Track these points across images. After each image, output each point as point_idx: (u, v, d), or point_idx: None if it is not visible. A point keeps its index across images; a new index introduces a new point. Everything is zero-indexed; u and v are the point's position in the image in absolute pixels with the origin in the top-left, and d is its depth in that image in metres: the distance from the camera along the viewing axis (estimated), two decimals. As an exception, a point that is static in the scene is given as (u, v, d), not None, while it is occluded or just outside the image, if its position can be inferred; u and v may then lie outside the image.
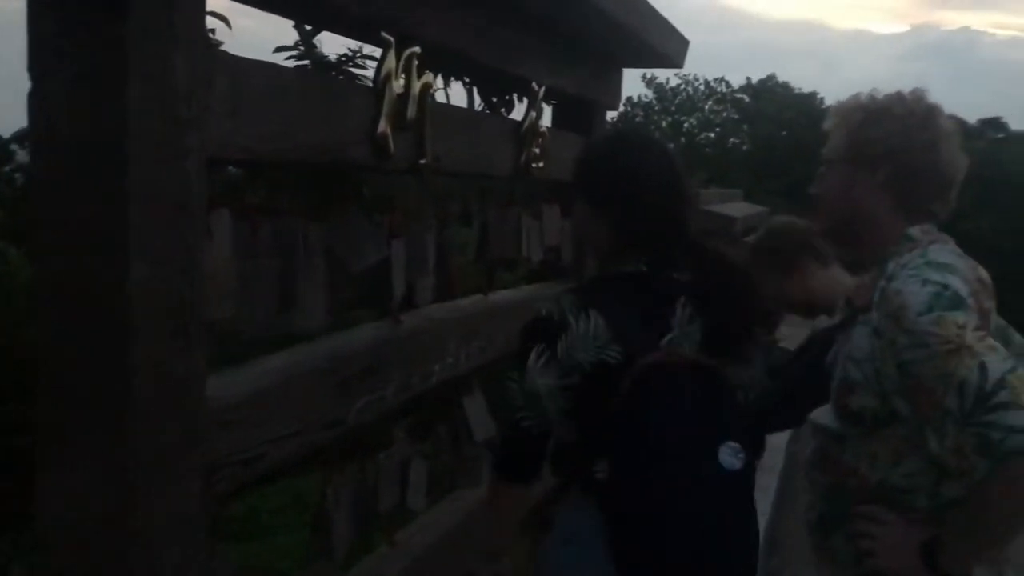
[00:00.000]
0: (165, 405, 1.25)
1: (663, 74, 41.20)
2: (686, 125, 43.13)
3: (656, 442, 1.44)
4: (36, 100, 1.21)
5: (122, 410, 1.20)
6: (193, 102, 1.25)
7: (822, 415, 1.66)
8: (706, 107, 43.75)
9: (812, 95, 41.85)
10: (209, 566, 1.38)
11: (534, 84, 2.49)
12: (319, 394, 1.65)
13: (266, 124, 1.45)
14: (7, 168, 20.81)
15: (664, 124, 43.24)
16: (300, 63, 3.03)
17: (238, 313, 1.45)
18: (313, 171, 1.77)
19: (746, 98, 42.65)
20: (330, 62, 3.15)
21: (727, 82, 43.59)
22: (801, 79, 51.79)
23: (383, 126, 1.71)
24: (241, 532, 3.79)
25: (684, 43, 3.29)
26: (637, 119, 43.63)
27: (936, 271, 1.49)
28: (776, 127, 38.38)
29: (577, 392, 1.46)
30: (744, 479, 1.48)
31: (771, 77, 43.28)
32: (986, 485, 1.34)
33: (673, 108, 44.04)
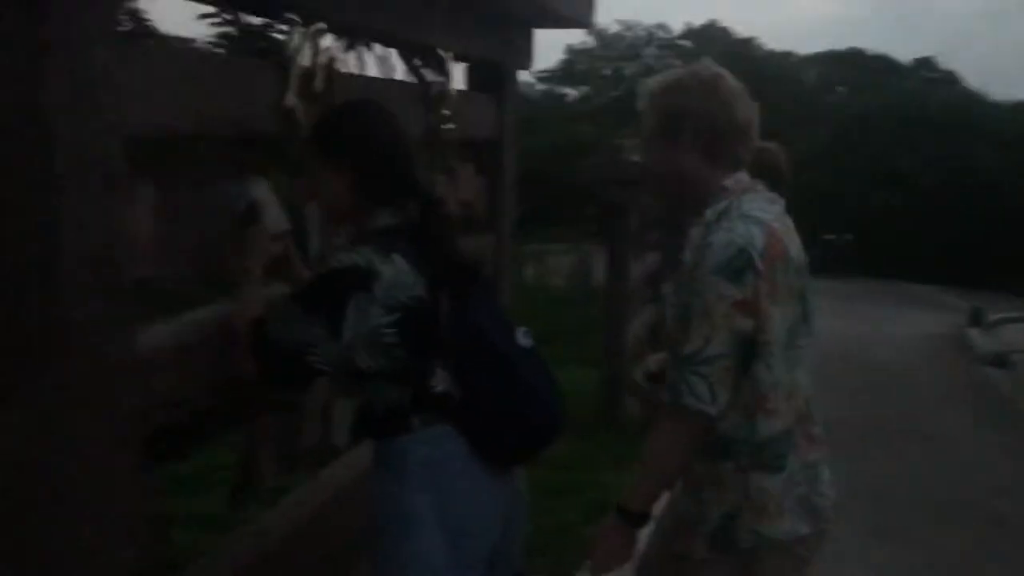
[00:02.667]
0: (95, 357, 1.43)
1: (603, 20, 41.12)
2: (627, 72, 43.24)
3: (483, 339, 1.79)
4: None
5: (58, 361, 1.37)
6: (111, 87, 1.42)
7: (652, 365, 1.98)
8: (647, 53, 43.89)
9: (750, 40, 42.23)
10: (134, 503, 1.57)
11: (440, 51, 2.66)
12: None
13: (179, 102, 1.61)
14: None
15: (606, 72, 43.33)
16: (223, 28, 3.16)
17: (160, 272, 1.63)
18: (228, 142, 1.93)
19: (688, 44, 42.82)
20: (253, 27, 3.27)
21: (668, 28, 43.73)
22: (747, 22, 52.06)
23: (290, 99, 1.88)
24: (196, 488, 4.02)
25: (589, 5, 3.47)
26: (578, 67, 43.63)
27: (743, 223, 1.76)
28: (715, 73, 38.72)
29: (400, 325, 1.71)
30: (536, 352, 1.90)
31: (713, 23, 43.47)
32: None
33: (615, 55, 44.07)
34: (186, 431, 1.79)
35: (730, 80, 1.88)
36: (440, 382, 1.76)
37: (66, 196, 1.35)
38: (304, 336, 1.68)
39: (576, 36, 42.97)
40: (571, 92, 42.83)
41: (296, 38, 1.92)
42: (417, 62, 2.72)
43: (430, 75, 2.69)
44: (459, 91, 2.91)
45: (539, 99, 40.79)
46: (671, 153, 1.87)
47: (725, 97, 1.85)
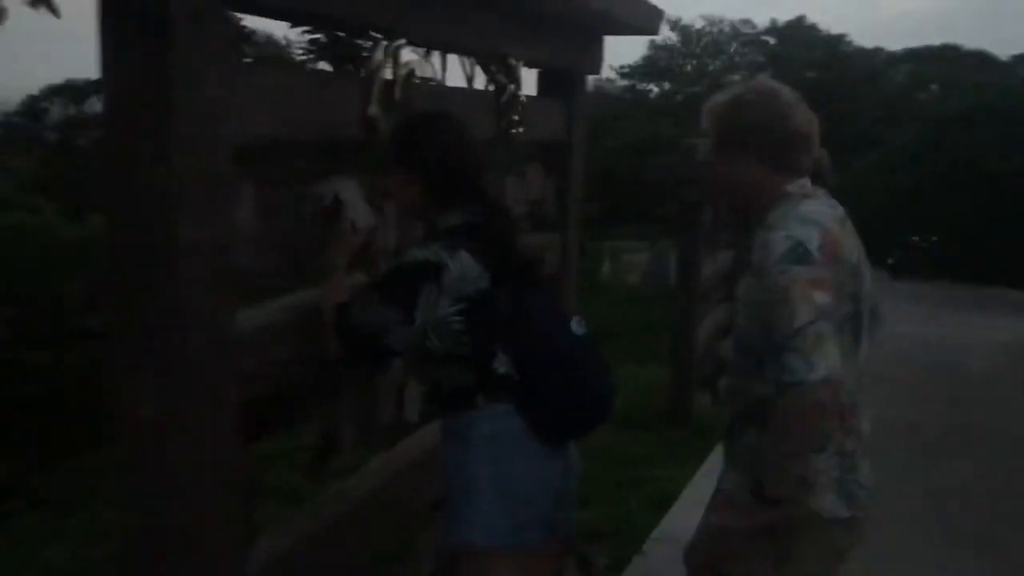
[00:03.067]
0: (205, 334, 1.67)
1: (688, 15, 40.76)
2: (711, 68, 42.80)
3: (540, 327, 1.99)
4: (107, 97, 1.62)
5: (177, 335, 1.63)
6: (223, 104, 1.66)
7: (727, 349, 2.08)
8: (731, 49, 43.38)
9: (840, 37, 41.31)
10: (239, 457, 1.82)
11: (511, 60, 2.87)
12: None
13: (279, 115, 1.85)
14: (39, 125, 21.40)
15: (688, 67, 42.98)
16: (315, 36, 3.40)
17: (260, 262, 1.88)
18: (319, 147, 2.17)
19: (771, 40, 42.17)
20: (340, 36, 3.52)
21: (753, 24, 43.13)
22: (837, 18, 50.95)
23: (373, 109, 2.11)
24: (279, 465, 4.32)
25: (657, 13, 3.62)
26: (661, 63, 43.36)
27: (800, 225, 1.89)
28: (802, 69, 38.05)
29: (467, 311, 1.92)
30: (591, 339, 2.08)
31: (800, 19, 42.59)
32: (775, 408, 1.78)
33: (698, 51, 43.68)
34: (277, 403, 2.04)
35: (787, 93, 2.02)
36: (501, 365, 1.96)
37: (184, 199, 1.60)
38: (380, 321, 1.91)
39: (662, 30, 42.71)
40: (654, 88, 42.64)
41: (379, 53, 2.15)
42: (490, 70, 2.93)
43: (501, 81, 2.89)
44: (529, 96, 3.10)
45: (621, 95, 40.77)
46: (736, 165, 2.02)
47: (783, 110, 1.99)
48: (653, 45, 43.29)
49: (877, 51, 41.38)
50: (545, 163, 3.37)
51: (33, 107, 21.16)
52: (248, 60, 1.96)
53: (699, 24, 43.25)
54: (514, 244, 2.08)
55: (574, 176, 3.56)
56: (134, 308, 1.64)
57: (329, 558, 2.18)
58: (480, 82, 2.91)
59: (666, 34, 42.86)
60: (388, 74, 2.16)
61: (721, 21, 43.34)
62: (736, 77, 42.66)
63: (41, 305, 7.30)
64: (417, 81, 2.30)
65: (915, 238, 26.19)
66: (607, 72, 42.63)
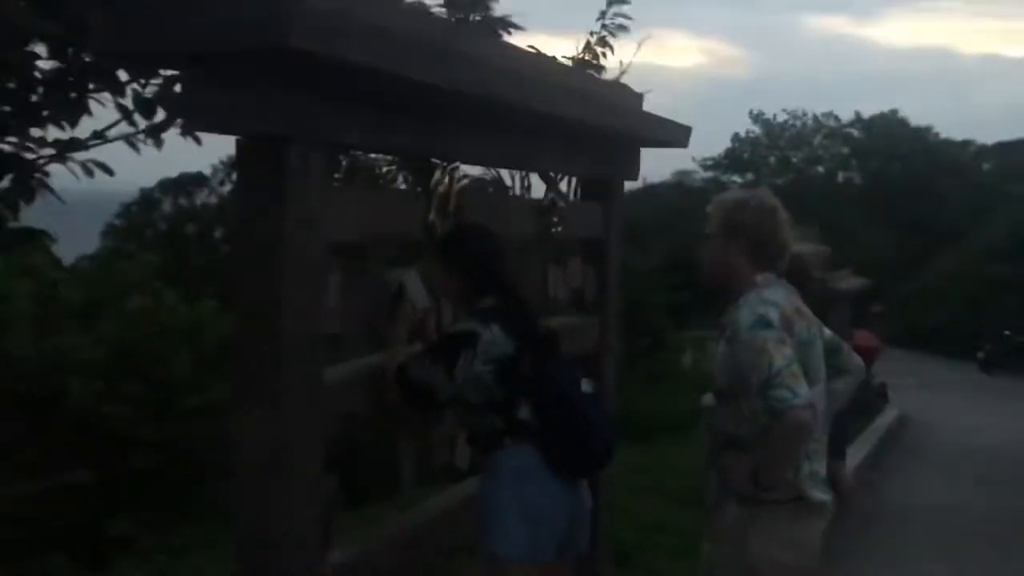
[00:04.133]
0: (299, 380, 2.29)
1: (770, 109, 41.26)
2: (794, 160, 43.18)
3: (556, 385, 2.56)
4: (239, 204, 2.28)
5: (278, 384, 2.24)
6: (319, 215, 2.31)
7: (708, 399, 2.62)
8: (815, 141, 43.74)
9: (927, 129, 41.25)
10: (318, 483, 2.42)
11: (551, 173, 3.50)
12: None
13: (362, 222, 2.51)
14: (153, 215, 23.17)
15: (772, 159, 43.44)
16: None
17: (343, 330, 2.51)
18: (390, 245, 2.83)
19: (856, 132, 42.40)
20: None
21: (836, 116, 43.49)
22: (928, 109, 50.73)
23: (432, 216, 2.76)
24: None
25: (685, 130, 4.23)
26: (744, 154, 43.96)
27: (762, 305, 2.44)
28: (886, 161, 38.09)
29: (497, 370, 2.49)
30: (597, 397, 2.68)
31: (893, 112, 42.51)
32: (769, 431, 2.29)
33: (782, 143, 44.15)
34: (352, 439, 2.64)
35: (781, 211, 2.63)
36: (524, 413, 2.53)
37: (288, 282, 2.24)
38: (431, 377, 2.51)
39: (744, 123, 43.33)
40: (737, 179, 43.16)
41: (438, 174, 2.80)
42: (543, 181, 3.58)
43: (544, 190, 3.52)
44: (569, 201, 3.73)
45: (703, 186, 41.36)
46: (725, 252, 2.60)
47: (776, 222, 2.60)
48: (736, 137, 43.98)
49: (966, 143, 41.14)
50: (585, 256, 3.97)
51: (148, 198, 22.97)
52: (338, 178, 2.51)
53: (782, 117, 43.70)
54: (534, 321, 2.67)
55: (611, 267, 4.14)
56: (249, 363, 2.27)
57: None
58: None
59: (748, 126, 43.51)
60: (444, 189, 2.81)
61: (804, 114, 43.79)
62: (820, 168, 42.94)
63: (155, 383, 8.08)
64: (468, 194, 2.94)
65: (1007, 332, 25.62)
66: (690, 164, 43.46)
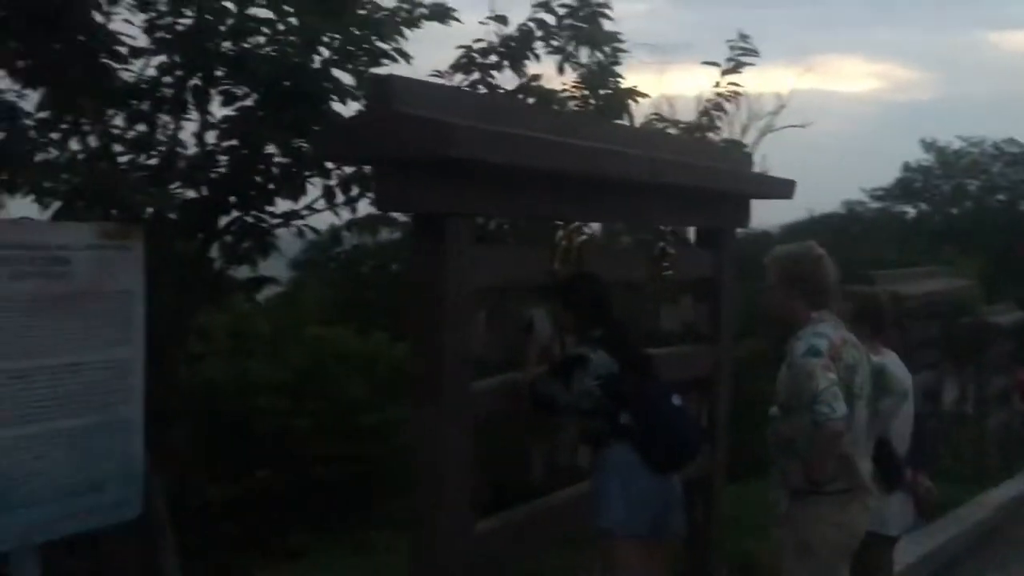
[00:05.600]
0: (455, 389, 3.11)
1: (947, 133, 39.52)
2: (971, 188, 41.21)
3: (651, 397, 3.25)
4: (412, 262, 3.14)
5: (439, 390, 3.07)
6: (469, 267, 3.13)
7: (774, 411, 3.28)
8: (995, 169, 41.55)
9: (1122, 152, 38.40)
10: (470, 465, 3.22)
11: (662, 227, 4.22)
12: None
13: (497, 270, 3.32)
14: (336, 251, 25.12)
15: (946, 188, 41.65)
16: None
17: (487, 354, 3.32)
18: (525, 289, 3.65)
19: (1040, 158, 39.98)
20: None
21: (1019, 143, 41.15)
22: (1113, 135, 47.17)
23: (556, 265, 3.54)
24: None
25: (790, 184, 4.84)
26: (916, 184, 42.34)
27: (815, 337, 3.09)
28: (1073, 188, 35.82)
29: (603, 385, 3.21)
30: (687, 409, 3.30)
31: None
32: (813, 438, 2.94)
33: (957, 171, 42.19)
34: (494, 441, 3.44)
35: (827, 258, 3.29)
36: (624, 419, 3.25)
37: (447, 318, 3.07)
38: (552, 390, 3.28)
39: (915, 152, 41.75)
40: (909, 209, 41.56)
41: (561, 232, 3.60)
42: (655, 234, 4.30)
43: (655, 239, 4.24)
44: (680, 246, 4.41)
45: (874, 217, 40.09)
46: (786, 298, 3.26)
47: (825, 268, 3.26)
48: (907, 167, 42.44)
49: None
50: (698, 295, 4.63)
51: (334, 235, 24.93)
52: (481, 238, 3.23)
53: (956, 145, 41.83)
54: (634, 347, 3.40)
55: (724, 304, 4.76)
56: (419, 375, 3.12)
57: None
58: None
59: (920, 156, 41.88)
60: (564, 242, 3.59)
61: (982, 141, 41.71)
62: (1000, 197, 40.72)
63: (334, 403, 9.16)
64: (586, 246, 3.71)
65: None
66: (858, 195, 42.20)
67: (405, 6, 4.19)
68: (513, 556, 3.60)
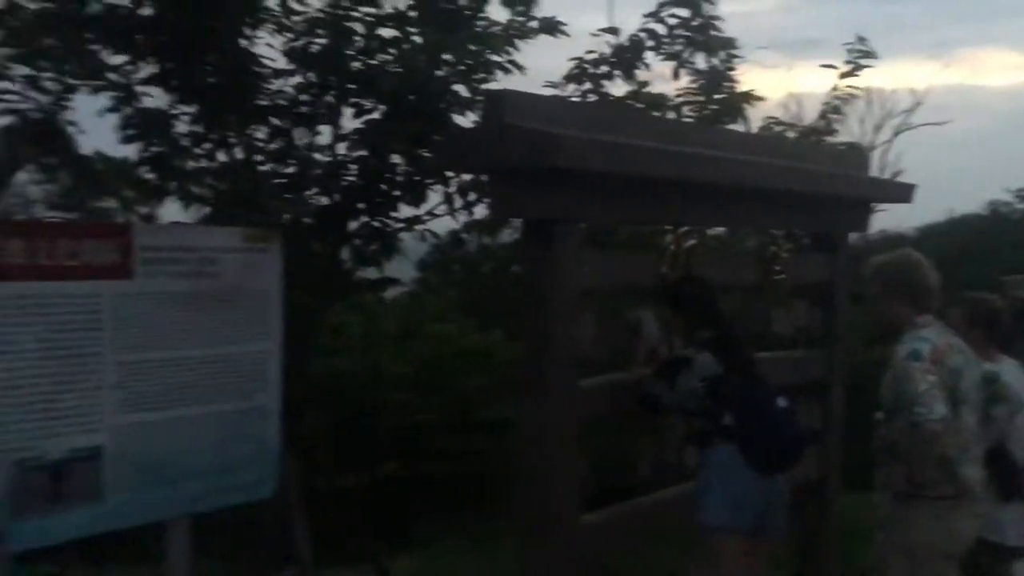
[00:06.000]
0: (562, 386, 3.27)
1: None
2: None
3: (755, 399, 3.31)
4: (524, 266, 3.32)
5: (548, 386, 3.23)
6: (576, 270, 3.28)
7: (880, 415, 3.30)
8: None
9: None
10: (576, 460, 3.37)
11: (772, 231, 4.26)
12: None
13: (604, 274, 3.46)
14: (460, 252, 25.72)
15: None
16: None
17: (595, 354, 3.47)
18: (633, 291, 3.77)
19: None
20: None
21: None
22: None
23: (664, 269, 3.65)
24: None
25: (908, 188, 4.78)
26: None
27: (917, 341, 3.11)
28: None
29: (707, 386, 3.29)
30: (792, 412, 3.32)
31: None
32: (910, 437, 2.95)
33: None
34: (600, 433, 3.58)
35: (926, 263, 3.28)
36: (728, 420, 3.33)
37: (556, 318, 3.23)
38: (658, 390, 3.40)
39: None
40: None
41: (669, 236, 3.70)
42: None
43: (766, 243, 4.28)
44: (794, 250, 4.43)
45: (1020, 219, 37.73)
46: (891, 304, 3.29)
47: (925, 273, 3.28)
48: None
49: None
50: (811, 298, 4.63)
51: (455, 238, 25.56)
52: (594, 242, 3.41)
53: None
54: (740, 349, 3.47)
55: (838, 307, 4.75)
56: (530, 371, 3.29)
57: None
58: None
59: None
60: (673, 247, 3.70)
61: None
62: None
63: (454, 397, 9.51)
64: (695, 250, 3.81)
65: None
66: (1005, 195, 39.72)
67: (518, 19, 4.39)
68: (617, 549, 3.73)
